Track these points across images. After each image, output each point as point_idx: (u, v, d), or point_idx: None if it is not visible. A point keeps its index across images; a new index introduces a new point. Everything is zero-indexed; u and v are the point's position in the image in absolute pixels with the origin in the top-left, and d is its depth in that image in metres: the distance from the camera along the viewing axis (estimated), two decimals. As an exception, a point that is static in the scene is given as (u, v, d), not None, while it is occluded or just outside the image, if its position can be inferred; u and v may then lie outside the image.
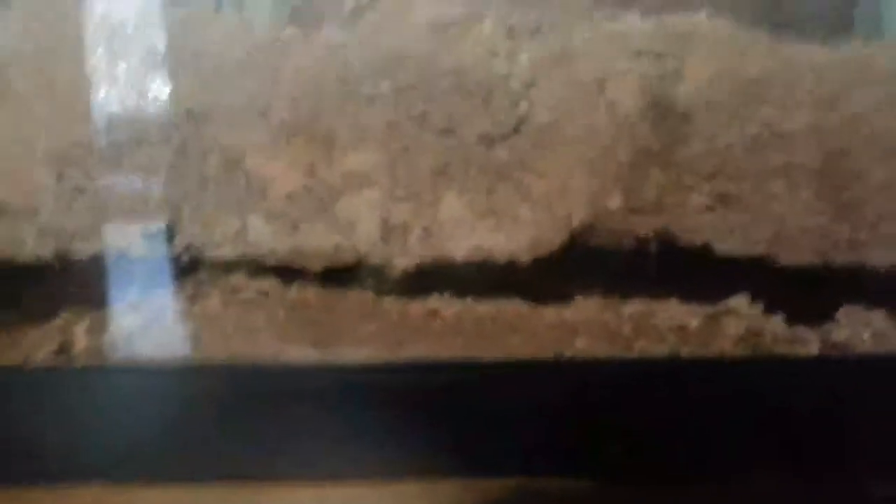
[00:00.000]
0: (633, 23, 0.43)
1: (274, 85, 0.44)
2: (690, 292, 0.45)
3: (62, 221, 0.46)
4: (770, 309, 0.45)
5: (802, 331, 0.45)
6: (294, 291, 0.46)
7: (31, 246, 0.47)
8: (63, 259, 0.47)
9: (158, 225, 0.46)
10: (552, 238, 0.44)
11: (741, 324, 0.44)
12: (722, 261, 0.44)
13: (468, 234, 0.44)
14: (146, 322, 0.47)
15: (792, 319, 0.45)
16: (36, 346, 0.48)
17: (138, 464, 0.46)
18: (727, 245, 0.44)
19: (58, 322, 0.48)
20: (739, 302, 0.45)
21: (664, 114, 0.43)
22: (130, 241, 0.46)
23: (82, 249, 0.46)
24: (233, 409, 0.46)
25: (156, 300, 0.47)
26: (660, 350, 0.44)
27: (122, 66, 0.45)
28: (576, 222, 0.44)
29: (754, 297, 0.45)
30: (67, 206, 0.46)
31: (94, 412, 0.46)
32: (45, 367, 0.47)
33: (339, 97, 0.44)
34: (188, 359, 0.47)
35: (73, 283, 0.47)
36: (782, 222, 0.44)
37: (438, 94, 0.44)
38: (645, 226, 0.44)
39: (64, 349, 0.48)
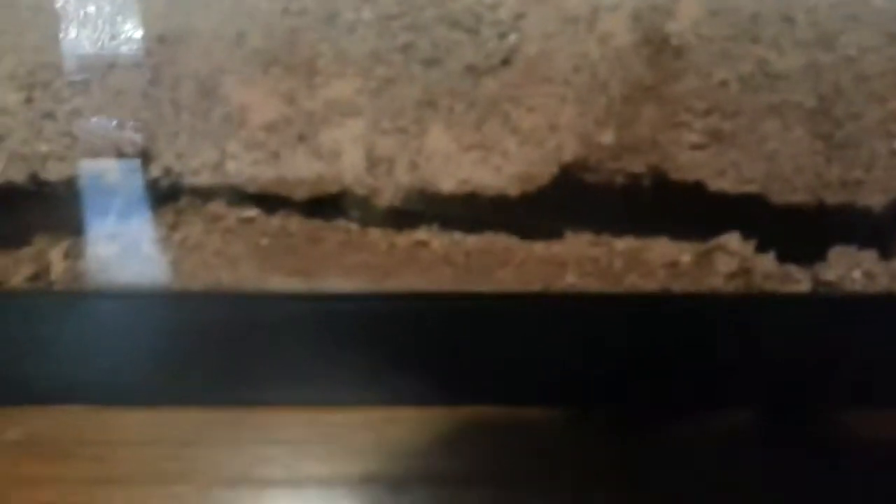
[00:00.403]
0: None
1: (250, 10, 0.60)
2: (682, 229, 0.64)
3: (33, 146, 0.64)
4: (762, 247, 0.64)
5: (794, 269, 0.65)
6: (277, 220, 0.65)
7: (2, 170, 0.64)
8: (36, 184, 0.65)
9: (133, 151, 0.64)
10: (541, 172, 0.62)
11: (732, 261, 0.64)
12: (714, 198, 0.63)
13: (455, 167, 0.62)
14: (124, 249, 0.66)
15: (783, 258, 0.64)
16: (10, 271, 0.67)
17: (119, 388, 0.67)
18: (720, 182, 0.62)
19: (33, 248, 0.67)
20: (731, 239, 0.64)
21: (657, 49, 0.59)
22: (105, 167, 0.64)
23: (55, 174, 0.64)
24: (214, 337, 0.66)
25: (134, 227, 0.66)
26: (650, 286, 0.63)
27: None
28: (567, 157, 0.62)
29: (746, 236, 0.63)
30: (38, 131, 0.64)
31: (72, 337, 0.66)
32: (22, 292, 0.67)
33: (320, 24, 0.61)
34: (168, 286, 0.66)
35: (47, 208, 0.66)
36: (775, 160, 0.61)
37: (424, 23, 0.60)
38: (637, 162, 0.62)
39: (40, 275, 0.67)
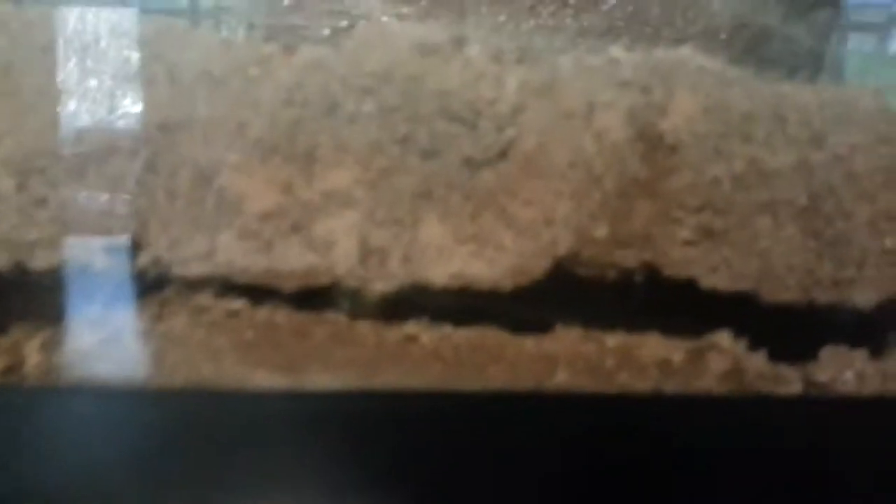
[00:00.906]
0: (619, 55, 0.60)
1: (252, 100, 0.60)
2: (674, 326, 0.62)
3: (21, 233, 0.61)
4: (754, 346, 0.62)
5: (785, 369, 0.63)
6: (264, 313, 0.62)
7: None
8: (20, 272, 0.62)
9: (123, 239, 0.61)
10: (535, 266, 0.61)
11: (725, 360, 0.62)
12: (706, 295, 0.61)
13: (449, 260, 0.61)
14: (105, 341, 0.63)
15: (775, 357, 0.62)
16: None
17: (91, 491, 0.61)
18: (712, 279, 0.61)
19: (8, 338, 0.63)
20: (722, 337, 0.62)
21: (651, 145, 0.60)
22: (93, 255, 0.62)
23: (41, 262, 0.61)
24: (195, 437, 0.61)
25: (117, 318, 0.63)
26: (643, 385, 0.61)
27: (93, 76, 0.60)
28: (561, 250, 0.61)
29: (738, 334, 0.62)
30: (28, 217, 0.61)
31: (44, 435, 0.61)
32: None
33: (320, 115, 0.60)
34: (149, 382, 0.62)
35: (28, 297, 0.63)
36: (767, 258, 0.61)
37: (423, 116, 0.60)
38: (630, 257, 0.61)
39: (13, 368, 0.63)
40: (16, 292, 0.66)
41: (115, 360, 0.65)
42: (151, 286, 0.65)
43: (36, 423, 0.65)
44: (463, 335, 0.66)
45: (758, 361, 0.65)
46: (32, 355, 0.66)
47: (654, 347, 0.65)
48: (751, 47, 0.64)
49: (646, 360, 0.65)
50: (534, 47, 0.64)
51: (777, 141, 0.63)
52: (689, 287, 0.65)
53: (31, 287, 0.65)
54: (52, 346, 0.66)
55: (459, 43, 0.65)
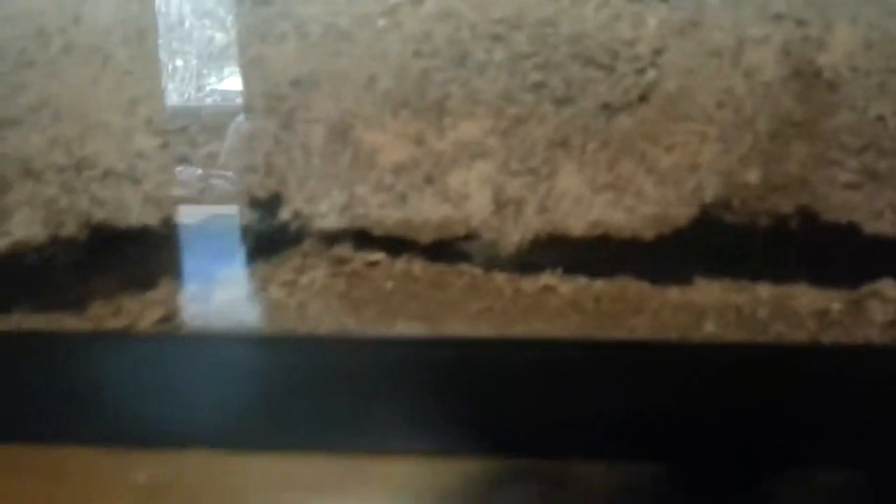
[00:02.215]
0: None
1: (382, 52, 0.56)
2: (832, 274, 0.56)
3: (166, 189, 0.60)
4: (921, 295, 0.55)
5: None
6: (401, 264, 0.60)
7: (137, 213, 0.61)
8: (167, 226, 0.61)
9: (264, 194, 0.59)
10: (679, 214, 0.56)
11: (889, 309, 0.55)
12: (868, 241, 0.54)
13: (587, 209, 0.56)
14: (250, 292, 0.61)
15: (946, 307, 0.55)
16: (139, 314, 0.63)
17: (241, 433, 0.62)
18: (874, 224, 0.53)
19: (161, 291, 0.63)
20: (886, 285, 0.55)
21: (808, 82, 0.52)
22: (235, 210, 0.60)
23: (186, 218, 0.60)
24: (337, 383, 0.60)
25: (261, 270, 0.61)
26: (798, 336, 0.55)
27: (225, 36, 0.57)
28: (708, 197, 0.55)
29: (903, 281, 0.55)
30: (171, 174, 0.60)
31: (197, 381, 0.62)
32: (150, 335, 0.63)
33: (450, 65, 0.56)
34: (293, 330, 0.61)
35: (177, 251, 0.62)
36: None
37: (557, 61, 0.55)
38: (785, 202, 0.54)
39: (168, 317, 0.63)
40: (164, 248, 0.66)
41: (260, 310, 0.65)
42: (292, 239, 0.63)
43: (189, 369, 0.65)
44: (602, 286, 0.61)
45: (925, 312, 0.57)
46: (185, 306, 0.66)
47: (811, 297, 0.58)
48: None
49: (802, 311, 0.58)
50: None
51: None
52: (849, 232, 0.57)
53: (178, 241, 0.65)
54: (201, 297, 0.66)
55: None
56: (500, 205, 0.60)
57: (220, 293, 0.65)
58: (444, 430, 0.62)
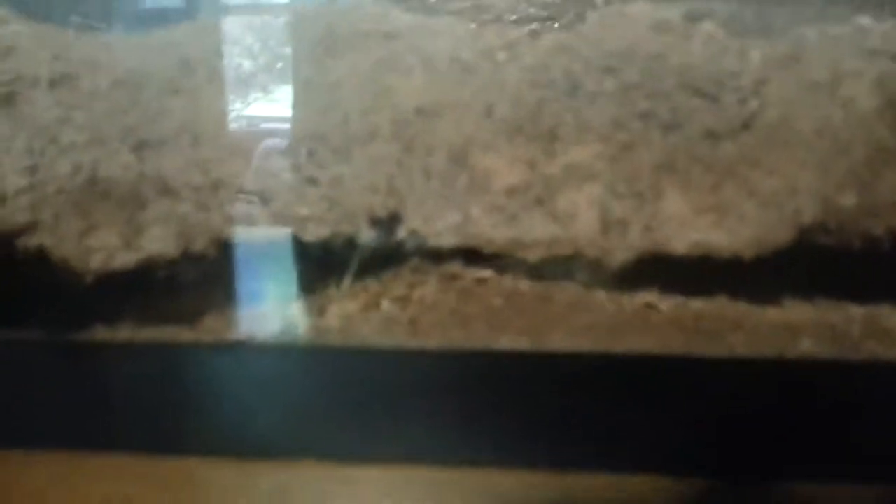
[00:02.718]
0: (866, 23, 0.56)
1: (500, 83, 0.61)
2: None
3: (294, 208, 0.65)
4: None
5: None
6: (509, 281, 0.63)
7: (265, 231, 0.65)
8: (294, 243, 0.65)
9: (385, 214, 0.63)
10: (778, 235, 0.58)
11: None
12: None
13: (690, 229, 0.59)
14: (367, 306, 0.64)
15: None
16: (258, 326, 0.66)
17: (358, 443, 0.64)
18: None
19: (280, 304, 0.66)
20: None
21: None
22: (358, 229, 0.64)
23: (313, 236, 0.64)
24: (447, 394, 0.62)
25: (378, 285, 0.64)
26: (891, 354, 0.57)
27: (356, 67, 0.62)
28: (806, 219, 0.57)
29: None
30: (300, 195, 0.64)
31: (313, 392, 0.64)
32: (268, 346, 0.66)
33: (563, 95, 0.60)
34: (405, 344, 0.64)
35: (301, 266, 0.66)
36: None
37: (665, 91, 0.59)
38: (879, 225, 0.56)
39: (287, 330, 0.66)
40: (293, 263, 0.70)
41: (376, 323, 0.68)
42: (408, 256, 0.67)
43: (303, 380, 0.68)
44: (702, 304, 0.63)
45: None
46: (303, 319, 0.69)
47: (903, 317, 0.60)
48: None
49: (894, 329, 0.60)
50: (774, 19, 0.61)
51: None
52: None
53: (304, 257, 0.69)
54: (322, 310, 0.69)
55: (695, 19, 0.62)
56: (606, 225, 0.64)
57: (339, 307, 0.68)
58: (552, 442, 0.64)
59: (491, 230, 0.65)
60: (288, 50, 0.68)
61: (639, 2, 0.64)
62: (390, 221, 0.67)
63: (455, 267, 0.67)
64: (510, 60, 0.64)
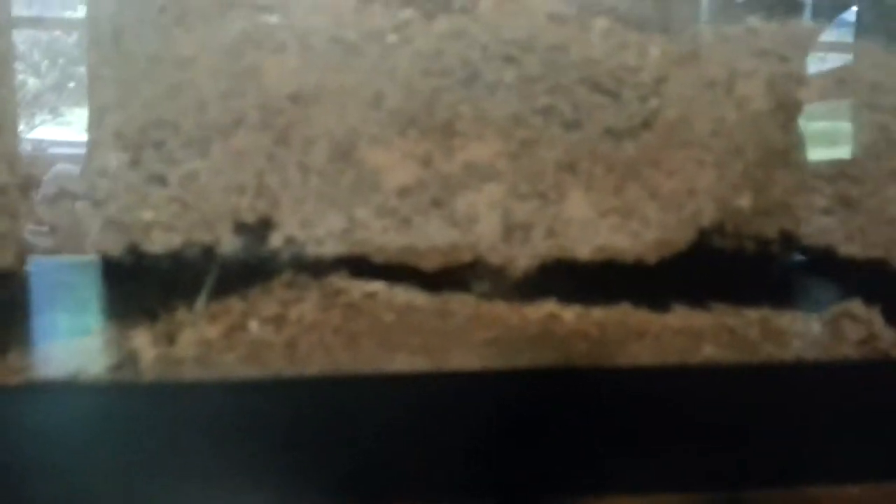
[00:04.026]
0: (757, 24, 0.55)
1: (390, 69, 0.52)
2: (812, 296, 0.57)
3: (135, 213, 0.52)
4: (886, 313, 0.57)
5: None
6: (403, 294, 0.54)
7: (94, 239, 0.52)
8: (133, 256, 0.52)
9: (253, 219, 0.52)
10: (679, 238, 0.55)
11: (860, 328, 0.57)
12: (842, 264, 0.57)
13: (593, 234, 0.54)
14: (231, 329, 0.53)
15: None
16: (90, 358, 0.52)
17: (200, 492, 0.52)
18: (848, 247, 0.56)
19: (121, 329, 0.53)
20: (856, 306, 0.57)
21: (789, 115, 0.55)
22: (219, 236, 0.52)
23: (160, 245, 0.52)
24: (333, 426, 0.52)
25: (244, 304, 0.53)
26: (786, 355, 0.55)
27: (215, 41, 0.51)
28: (705, 221, 0.55)
29: (871, 301, 0.57)
30: (142, 197, 0.52)
31: (168, 434, 0.52)
32: (105, 382, 0.52)
33: (460, 84, 0.53)
34: (280, 371, 0.53)
35: (144, 284, 0.53)
36: (897, 225, 0.57)
37: (566, 85, 0.54)
38: (771, 227, 0.55)
39: (126, 362, 0.53)
40: (129, 279, 0.55)
41: (243, 349, 0.55)
42: (283, 267, 0.56)
43: (153, 422, 0.54)
44: (605, 312, 0.59)
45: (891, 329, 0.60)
46: (147, 348, 0.55)
47: (794, 317, 0.60)
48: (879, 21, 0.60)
49: (787, 332, 0.59)
50: (673, 16, 0.58)
51: (904, 110, 0.60)
52: (826, 255, 0.60)
53: (146, 273, 0.55)
54: (171, 336, 0.55)
55: (592, 12, 0.58)
56: (508, 229, 0.57)
57: (194, 332, 0.55)
58: (451, 473, 0.56)
59: (381, 236, 0.56)
60: (126, 18, 0.54)
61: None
62: (260, 227, 0.56)
63: (340, 280, 0.56)
64: (401, 44, 0.56)
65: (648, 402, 0.58)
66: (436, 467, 0.56)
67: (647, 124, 0.58)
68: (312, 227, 0.56)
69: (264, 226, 0.55)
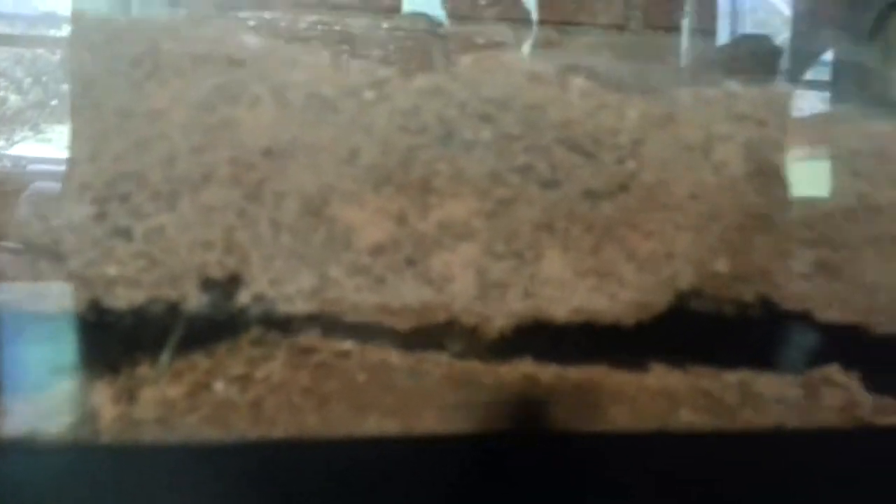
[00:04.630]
0: (736, 88, 0.54)
1: (367, 126, 0.51)
2: (790, 360, 0.56)
3: (99, 268, 0.50)
4: (867, 379, 0.56)
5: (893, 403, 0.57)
6: (375, 353, 0.52)
7: (56, 296, 0.50)
8: (97, 312, 0.50)
9: (222, 275, 0.50)
10: (657, 300, 0.54)
11: (839, 393, 0.55)
12: (820, 329, 0.56)
13: (571, 294, 0.53)
14: (195, 388, 0.51)
15: (885, 390, 0.57)
16: (45, 417, 0.50)
17: None
18: (826, 313, 0.55)
19: (77, 388, 0.51)
20: (834, 371, 0.56)
21: (767, 179, 0.54)
22: (185, 293, 0.50)
23: (123, 302, 0.50)
24: (302, 495, 0.50)
25: (209, 363, 0.51)
26: (764, 420, 0.54)
27: (193, 93, 0.50)
28: (682, 284, 0.53)
29: (850, 367, 0.56)
30: (107, 251, 0.50)
31: (125, 499, 0.49)
32: (61, 443, 0.50)
33: (437, 142, 0.52)
34: (246, 435, 0.51)
35: (107, 340, 0.51)
36: (875, 292, 0.56)
37: (543, 145, 0.53)
38: (749, 291, 0.54)
39: (84, 422, 0.50)
40: (90, 335, 0.53)
41: (207, 410, 0.53)
42: (251, 325, 0.54)
43: (113, 486, 0.52)
44: (581, 373, 0.57)
45: (871, 395, 0.59)
46: (108, 407, 0.53)
47: (773, 382, 0.58)
48: (855, 87, 0.60)
49: (766, 396, 0.58)
50: (651, 78, 0.58)
51: (880, 177, 0.59)
52: (804, 320, 0.59)
53: (108, 329, 0.53)
54: (129, 396, 0.53)
55: (571, 72, 0.58)
56: (484, 289, 0.56)
57: (156, 391, 0.53)
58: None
59: (354, 294, 0.54)
60: (97, 69, 0.53)
61: (511, 51, 0.58)
62: (229, 284, 0.54)
63: (310, 338, 0.55)
64: (378, 100, 0.55)
65: (626, 467, 0.56)
66: (405, 536, 0.53)
67: (624, 186, 0.57)
68: (283, 284, 0.54)
69: (233, 282, 0.54)
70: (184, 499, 0.52)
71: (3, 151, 0.52)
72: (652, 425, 0.57)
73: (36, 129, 0.55)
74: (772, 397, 0.58)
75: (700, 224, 0.58)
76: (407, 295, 0.55)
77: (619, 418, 0.57)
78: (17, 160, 0.55)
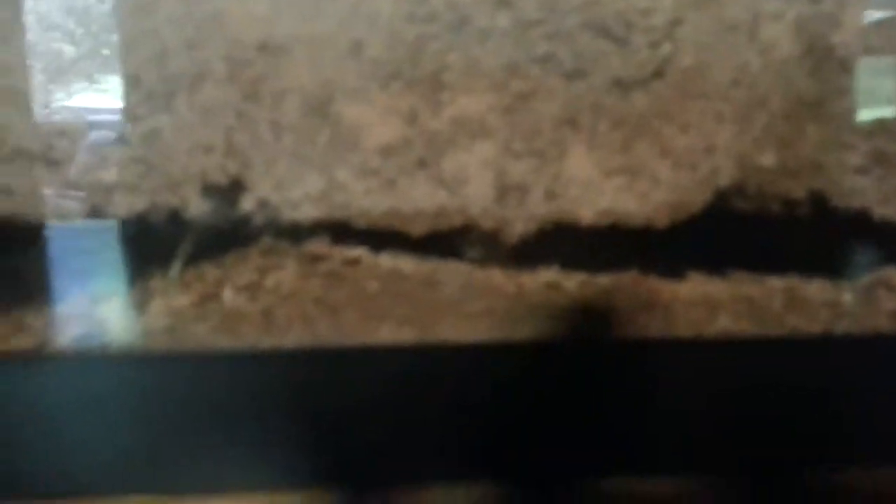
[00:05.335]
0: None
1: (370, 15, 0.47)
2: (842, 263, 0.50)
3: (94, 175, 0.47)
4: (926, 281, 0.51)
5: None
6: (388, 261, 0.49)
7: (54, 204, 0.47)
8: (96, 218, 0.47)
9: (224, 180, 0.47)
10: (694, 199, 0.49)
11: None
12: (877, 228, 0.50)
13: (597, 195, 0.48)
14: (202, 299, 0.48)
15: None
16: (53, 329, 0.49)
17: (195, 474, 0.48)
18: (884, 210, 0.49)
19: (82, 300, 0.49)
20: (892, 273, 0.50)
21: (820, 61, 0.47)
22: (186, 199, 0.47)
23: (120, 208, 0.47)
24: (314, 401, 0.48)
25: (215, 272, 0.48)
26: (812, 327, 0.49)
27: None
28: (724, 182, 0.48)
29: (910, 269, 0.50)
30: (101, 158, 0.47)
31: (132, 413, 0.48)
32: (66, 354, 0.48)
33: (449, 31, 0.47)
34: (256, 343, 0.49)
35: (109, 248, 0.48)
36: (944, 185, 0.49)
37: (566, 30, 0.47)
38: (798, 187, 0.48)
39: (91, 333, 0.49)
40: (93, 242, 0.51)
41: (213, 321, 0.51)
42: (256, 233, 0.51)
43: (124, 391, 0.50)
44: (611, 280, 0.53)
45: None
46: (111, 318, 0.51)
47: (824, 287, 0.53)
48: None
49: (815, 302, 0.53)
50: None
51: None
52: (859, 218, 0.53)
53: (113, 238, 0.51)
54: (143, 306, 0.51)
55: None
56: (502, 191, 0.51)
57: (158, 302, 0.51)
58: (440, 451, 0.51)
59: (363, 199, 0.51)
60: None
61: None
62: (231, 189, 0.51)
63: (319, 245, 0.51)
64: (383, -14, 0.50)
65: (656, 378, 0.52)
66: (425, 447, 0.51)
67: (658, 73, 0.51)
68: (287, 188, 0.50)
69: (235, 187, 0.51)
70: (189, 409, 0.50)
71: (62, 103, 0.49)
72: (687, 334, 0.53)
73: (91, 79, 0.52)
74: (821, 303, 0.53)
75: (744, 114, 0.51)
76: (419, 198, 0.51)
77: (653, 327, 0.53)
78: (75, 111, 0.51)
